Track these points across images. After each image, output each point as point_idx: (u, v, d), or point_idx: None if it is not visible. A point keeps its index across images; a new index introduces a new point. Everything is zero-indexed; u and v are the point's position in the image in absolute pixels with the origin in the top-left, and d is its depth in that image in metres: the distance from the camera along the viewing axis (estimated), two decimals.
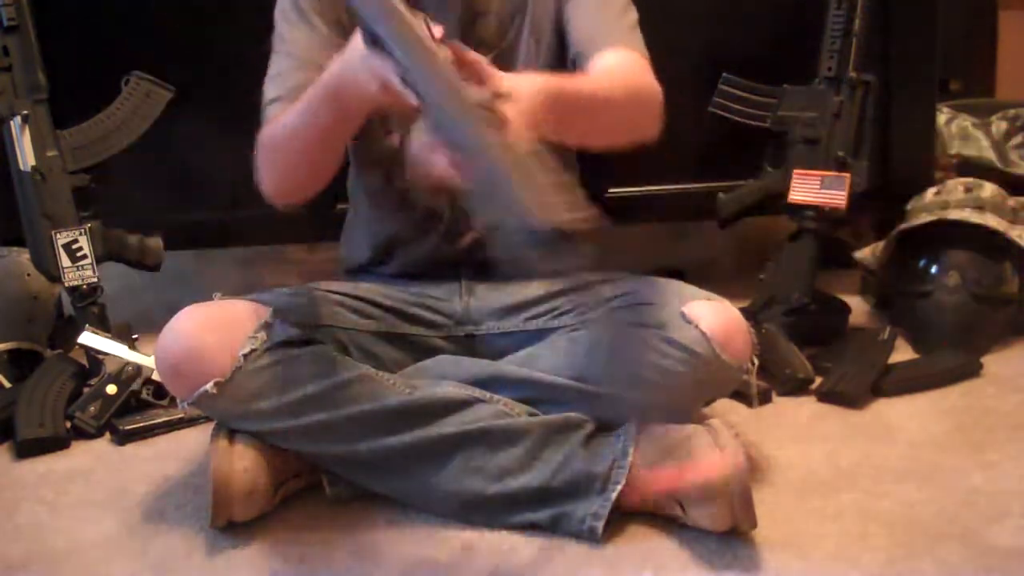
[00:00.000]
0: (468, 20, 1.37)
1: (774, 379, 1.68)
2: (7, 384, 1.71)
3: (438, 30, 1.02)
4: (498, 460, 1.27)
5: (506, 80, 1.08)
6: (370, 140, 1.44)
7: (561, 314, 1.40)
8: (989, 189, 1.88)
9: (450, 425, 1.28)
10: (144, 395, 1.67)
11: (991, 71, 2.79)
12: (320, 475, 1.34)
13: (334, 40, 1.32)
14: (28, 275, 1.88)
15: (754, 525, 1.20)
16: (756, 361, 1.37)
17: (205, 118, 1.96)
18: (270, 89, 1.36)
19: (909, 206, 1.96)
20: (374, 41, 1.02)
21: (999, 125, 2.36)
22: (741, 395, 1.54)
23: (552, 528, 1.25)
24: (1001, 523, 1.26)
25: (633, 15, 1.42)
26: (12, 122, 1.79)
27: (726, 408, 1.51)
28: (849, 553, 1.20)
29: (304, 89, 1.27)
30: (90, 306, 1.80)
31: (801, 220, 1.86)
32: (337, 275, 1.56)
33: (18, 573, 1.24)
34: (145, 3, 1.99)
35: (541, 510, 1.26)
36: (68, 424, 1.61)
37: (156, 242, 1.91)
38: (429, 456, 1.28)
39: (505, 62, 1.35)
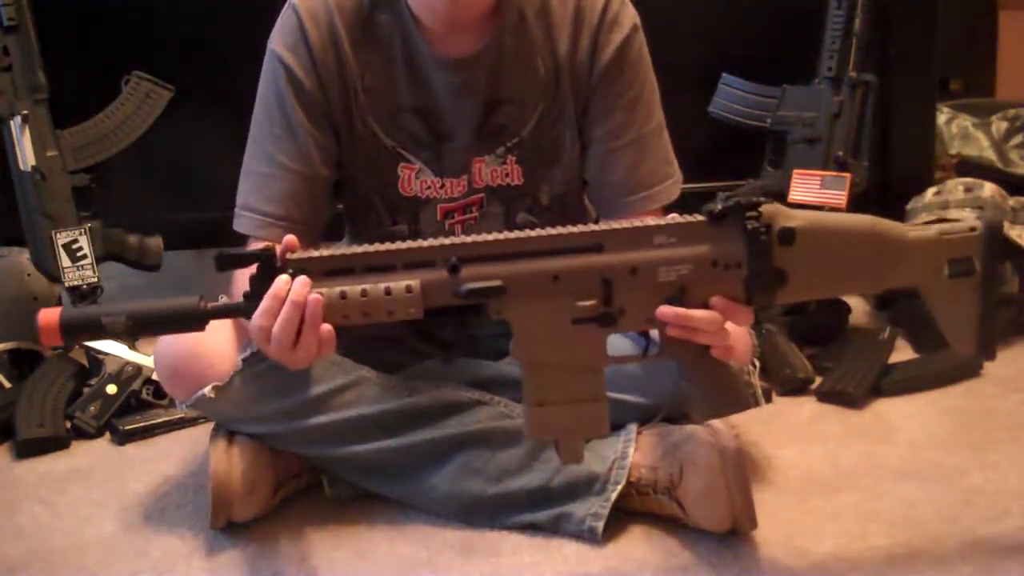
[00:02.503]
0: (491, 106, 1.33)
1: (774, 379, 1.68)
2: (7, 384, 1.71)
3: None
4: (498, 461, 1.27)
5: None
6: (372, 229, 1.40)
7: None
8: (989, 189, 1.88)
9: (450, 427, 1.28)
10: (144, 395, 1.67)
11: (991, 71, 2.79)
12: (320, 475, 1.34)
13: (319, 139, 1.30)
14: (28, 275, 1.88)
15: (754, 525, 1.20)
16: (757, 363, 1.37)
17: (205, 118, 1.97)
18: (246, 186, 1.32)
19: (909, 206, 1.96)
20: None
21: (999, 125, 2.36)
22: None
23: (552, 528, 1.25)
24: (1001, 523, 1.26)
25: (660, 118, 1.37)
26: (12, 122, 1.79)
27: None
28: (849, 553, 1.20)
29: (283, 199, 1.28)
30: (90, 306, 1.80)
31: None
32: None
33: (18, 573, 1.24)
34: (145, 3, 1.99)
35: (541, 510, 1.26)
36: (68, 424, 1.61)
37: (156, 242, 1.91)
38: (429, 457, 1.28)
39: (526, 150, 1.35)
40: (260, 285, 1.03)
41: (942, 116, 2.37)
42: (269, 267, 1.03)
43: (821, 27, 1.89)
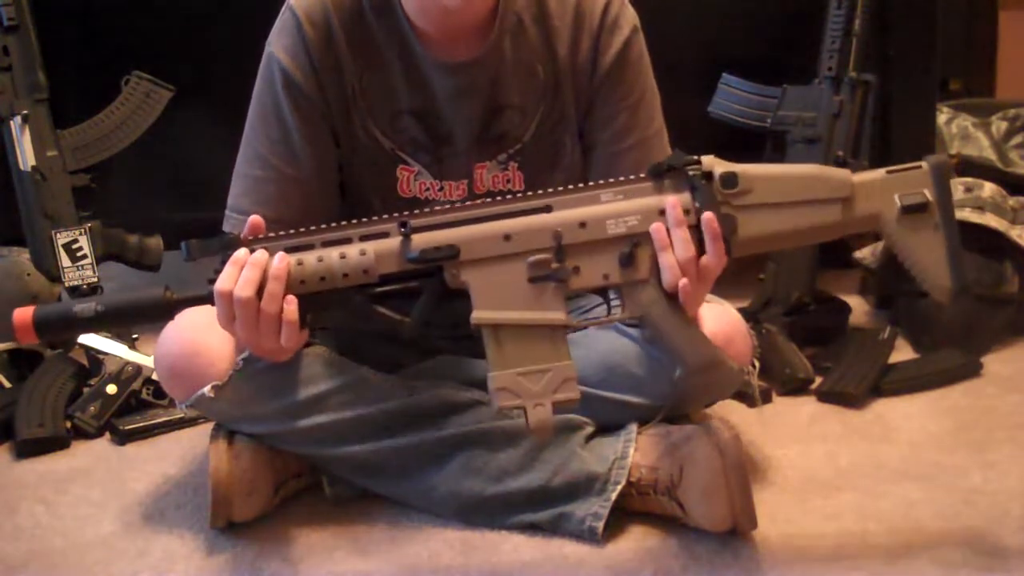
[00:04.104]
0: (492, 113, 1.33)
1: (774, 379, 1.68)
2: (7, 384, 1.71)
3: None
4: (498, 461, 1.27)
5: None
6: None
7: None
8: (989, 189, 1.88)
9: (450, 426, 1.28)
10: (144, 395, 1.67)
11: (991, 71, 2.79)
12: (320, 475, 1.34)
13: (315, 142, 1.30)
14: (28, 275, 1.88)
15: (754, 525, 1.20)
16: (757, 363, 1.37)
17: (205, 118, 1.97)
18: (238, 188, 1.32)
19: None
20: None
21: (999, 125, 2.36)
22: (742, 395, 1.54)
23: (552, 528, 1.25)
24: (1001, 523, 1.26)
25: (660, 120, 1.37)
26: (12, 122, 1.79)
27: (726, 408, 1.51)
28: (849, 553, 1.20)
29: (275, 203, 1.28)
30: None
31: None
32: None
33: (18, 573, 1.24)
34: (145, 3, 1.99)
35: (541, 510, 1.25)
36: (68, 424, 1.61)
37: (156, 242, 1.92)
38: (429, 457, 1.28)
39: (528, 155, 1.35)
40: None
41: (942, 116, 2.37)
42: (232, 252, 1.08)
43: (821, 27, 1.89)
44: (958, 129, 2.37)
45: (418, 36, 1.28)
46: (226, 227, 1.32)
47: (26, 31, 1.81)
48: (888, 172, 1.13)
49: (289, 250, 1.09)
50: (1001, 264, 1.84)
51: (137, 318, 1.12)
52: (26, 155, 1.79)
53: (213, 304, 1.09)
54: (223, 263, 1.09)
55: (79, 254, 1.80)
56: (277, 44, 1.30)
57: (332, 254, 1.08)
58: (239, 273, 1.07)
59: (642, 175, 1.12)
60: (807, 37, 1.90)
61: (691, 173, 1.10)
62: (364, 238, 1.09)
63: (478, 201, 1.11)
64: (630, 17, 1.33)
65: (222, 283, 1.08)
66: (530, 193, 1.11)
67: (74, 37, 1.95)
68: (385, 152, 1.34)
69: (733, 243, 1.11)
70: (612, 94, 1.33)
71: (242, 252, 1.08)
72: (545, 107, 1.34)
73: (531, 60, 1.32)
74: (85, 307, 1.06)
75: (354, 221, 1.10)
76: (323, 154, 1.32)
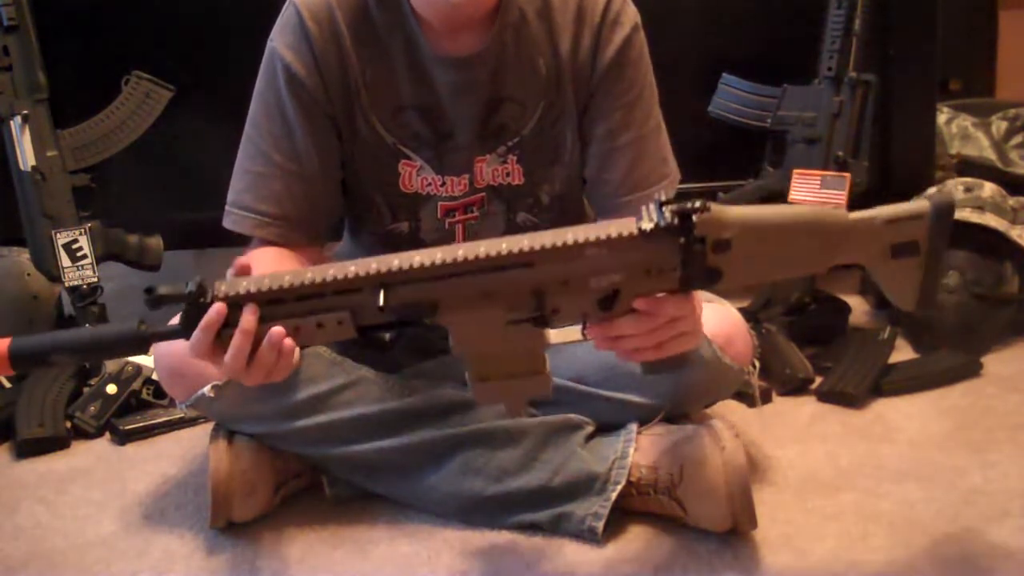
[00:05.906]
0: (492, 105, 1.32)
1: (774, 379, 1.68)
2: (7, 384, 1.71)
3: None
4: (498, 460, 1.27)
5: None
6: (372, 227, 1.41)
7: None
8: (989, 189, 1.88)
9: (450, 426, 1.28)
10: (144, 395, 1.68)
11: (991, 71, 2.78)
12: (320, 475, 1.34)
13: (318, 139, 1.30)
14: (28, 275, 1.88)
15: (754, 525, 1.20)
16: (757, 363, 1.37)
17: (205, 118, 1.97)
18: (240, 184, 1.32)
19: None
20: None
21: (999, 125, 2.36)
22: (742, 395, 1.54)
23: (552, 528, 1.25)
24: (1001, 523, 1.26)
25: (658, 118, 1.37)
26: (12, 122, 1.79)
27: (726, 408, 1.51)
28: (849, 553, 1.20)
29: (279, 199, 1.28)
30: (90, 306, 1.81)
31: None
32: None
33: (18, 573, 1.24)
34: (145, 3, 1.99)
35: (541, 510, 1.26)
36: (68, 424, 1.62)
37: (156, 242, 1.92)
38: (428, 457, 1.29)
39: (527, 149, 1.35)
40: (190, 324, 1.03)
41: (942, 116, 2.37)
42: (197, 307, 1.02)
43: (821, 27, 1.89)
44: (958, 129, 2.37)
45: (423, 29, 1.28)
46: (226, 223, 1.33)
47: (26, 31, 1.81)
48: (887, 222, 1.06)
49: (261, 304, 1.02)
50: (1001, 264, 1.84)
51: (112, 352, 1.08)
52: (26, 155, 1.79)
53: (186, 339, 1.04)
54: (188, 316, 1.03)
55: (79, 254, 1.80)
56: (280, 40, 1.30)
57: (309, 324, 1.03)
58: (211, 339, 1.02)
59: (632, 232, 1.02)
60: (807, 37, 1.90)
61: (682, 240, 1.02)
62: (338, 293, 1.03)
63: (456, 253, 1.02)
64: (631, 14, 1.33)
65: (196, 351, 1.03)
66: (511, 246, 1.02)
67: (74, 37, 1.95)
68: (387, 147, 1.34)
69: (713, 289, 1.07)
70: (610, 90, 1.33)
71: (213, 314, 1.01)
72: (546, 102, 1.34)
73: (533, 54, 1.32)
74: (60, 347, 1.04)
75: (330, 274, 1.02)
76: (326, 150, 1.32)
